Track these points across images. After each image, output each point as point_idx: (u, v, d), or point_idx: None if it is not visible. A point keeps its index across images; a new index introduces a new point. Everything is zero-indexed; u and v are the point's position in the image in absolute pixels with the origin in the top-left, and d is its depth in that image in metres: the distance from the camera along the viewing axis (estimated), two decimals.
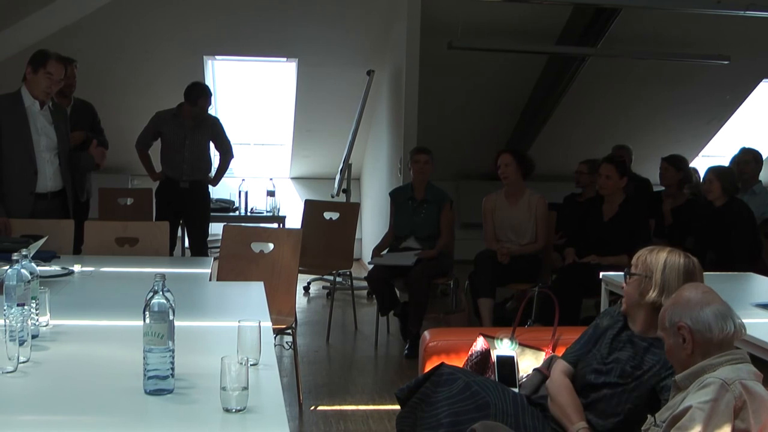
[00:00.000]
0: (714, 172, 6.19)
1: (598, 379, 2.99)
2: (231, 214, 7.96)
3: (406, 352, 6.23)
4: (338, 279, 7.62)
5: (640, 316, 2.96)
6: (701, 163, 9.56)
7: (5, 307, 2.60)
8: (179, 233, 7.23)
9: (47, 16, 7.41)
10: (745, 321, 2.57)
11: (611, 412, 2.92)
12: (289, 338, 5.29)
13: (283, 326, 4.67)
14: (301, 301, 7.99)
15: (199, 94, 6.91)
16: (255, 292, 3.80)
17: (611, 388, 2.96)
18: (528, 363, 3.46)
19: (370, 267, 6.58)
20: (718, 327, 2.49)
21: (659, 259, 2.95)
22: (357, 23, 8.41)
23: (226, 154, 7.24)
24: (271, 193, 8.14)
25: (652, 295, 2.90)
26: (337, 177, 8.74)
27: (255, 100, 9.96)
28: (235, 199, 8.09)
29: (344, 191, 8.64)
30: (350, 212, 7.45)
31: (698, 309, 2.51)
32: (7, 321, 2.49)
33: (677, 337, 2.53)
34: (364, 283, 7.32)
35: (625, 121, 9.65)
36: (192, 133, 6.91)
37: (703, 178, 6.39)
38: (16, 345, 2.43)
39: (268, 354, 2.63)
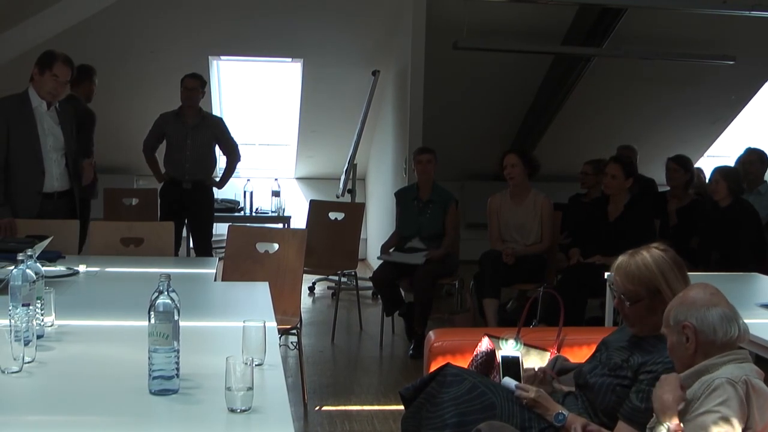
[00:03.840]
0: (720, 172, 6.19)
1: (592, 378, 2.99)
2: (236, 214, 7.98)
3: (411, 352, 6.24)
4: (343, 279, 7.62)
5: (648, 324, 2.93)
6: (706, 164, 9.55)
7: (10, 308, 2.60)
8: (184, 233, 7.23)
9: (53, 16, 7.42)
10: (749, 321, 2.57)
11: (606, 405, 2.90)
12: (294, 338, 5.30)
13: (288, 326, 4.67)
14: (306, 301, 7.99)
15: (185, 76, 6.97)
16: (260, 292, 3.80)
17: (600, 378, 2.95)
18: (533, 363, 3.45)
19: (379, 262, 6.57)
20: (722, 330, 2.49)
21: (649, 266, 2.87)
22: (362, 24, 8.41)
23: (232, 155, 7.23)
24: (276, 194, 8.15)
25: (668, 302, 2.82)
26: (342, 177, 8.75)
27: (260, 100, 9.98)
28: (240, 199, 8.11)
29: (349, 191, 8.65)
30: (355, 212, 7.45)
31: (704, 310, 2.51)
32: (13, 321, 2.51)
33: (681, 335, 2.53)
34: (369, 284, 7.33)
35: (630, 122, 9.64)
36: (193, 132, 6.92)
37: (710, 179, 6.38)
38: (21, 345, 2.43)
39: (272, 354, 2.63)
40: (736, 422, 2.36)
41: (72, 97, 6.48)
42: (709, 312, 2.50)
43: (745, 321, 2.56)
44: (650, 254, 2.91)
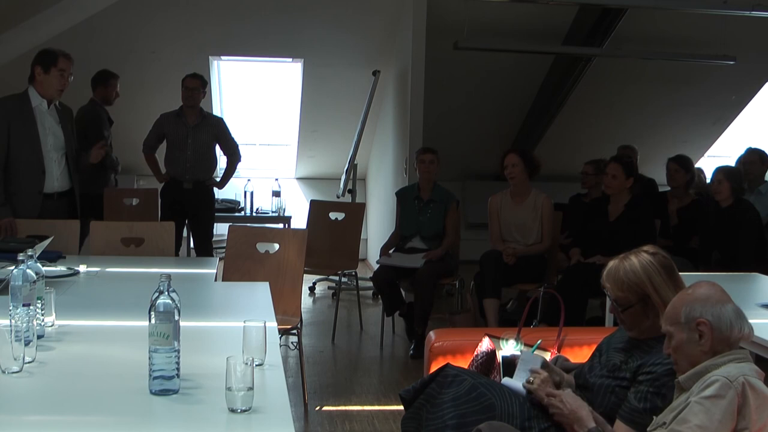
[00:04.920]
0: (723, 172, 6.17)
1: (592, 379, 2.99)
2: (236, 214, 7.98)
3: (411, 352, 6.24)
4: (344, 279, 7.62)
5: (644, 328, 2.93)
6: (707, 164, 9.55)
7: (11, 308, 2.61)
8: (184, 233, 7.23)
9: (53, 16, 7.41)
10: (750, 321, 2.56)
11: (606, 406, 2.90)
12: (294, 338, 5.30)
13: (289, 326, 4.67)
14: (306, 301, 8.00)
15: (186, 76, 6.99)
16: (260, 292, 3.80)
17: (600, 379, 2.95)
18: None
19: (378, 266, 6.58)
20: (738, 326, 2.48)
21: (637, 272, 2.86)
22: (363, 23, 8.41)
23: (233, 156, 7.23)
24: (276, 194, 8.15)
25: (660, 308, 2.81)
26: (343, 177, 8.74)
27: (260, 100, 9.98)
28: (241, 199, 8.10)
29: (350, 191, 8.65)
30: (356, 212, 7.45)
31: (720, 306, 2.49)
32: (13, 321, 2.50)
33: (693, 332, 2.49)
34: (370, 284, 7.33)
35: (631, 122, 9.64)
36: (194, 132, 6.92)
37: (712, 179, 6.37)
38: (21, 345, 2.44)
39: (273, 354, 2.63)
40: (717, 419, 2.35)
41: (91, 101, 7.00)
42: (725, 308, 2.49)
43: None
44: (638, 259, 2.90)
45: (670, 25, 8.48)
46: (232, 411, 2.18)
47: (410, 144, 7.77)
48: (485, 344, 3.47)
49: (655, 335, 2.83)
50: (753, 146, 7.31)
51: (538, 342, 3.13)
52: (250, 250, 4.93)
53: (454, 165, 9.22)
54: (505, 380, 3.16)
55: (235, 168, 7.33)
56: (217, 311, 3.63)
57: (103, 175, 6.99)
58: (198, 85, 6.96)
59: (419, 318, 6.24)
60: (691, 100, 9.50)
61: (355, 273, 7.33)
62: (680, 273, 2.94)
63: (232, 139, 7.21)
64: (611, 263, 2.97)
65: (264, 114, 10.14)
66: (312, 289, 8.52)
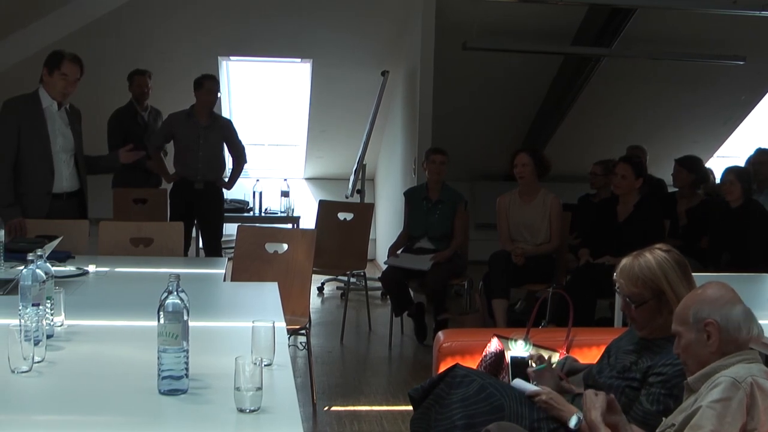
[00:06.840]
0: (734, 173, 6.15)
1: (601, 380, 2.98)
2: (245, 214, 7.98)
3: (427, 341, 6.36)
4: (352, 279, 7.61)
5: (656, 326, 2.92)
6: (717, 164, 9.52)
7: (20, 307, 2.61)
8: (193, 233, 7.24)
9: (64, 17, 7.44)
10: (763, 322, 2.55)
11: None
12: (303, 339, 5.30)
13: (297, 327, 4.68)
14: (315, 301, 8.00)
15: (204, 78, 6.96)
16: (269, 292, 3.80)
17: (609, 380, 2.94)
18: None
19: (385, 266, 6.58)
20: (746, 327, 2.47)
21: (652, 267, 2.86)
22: (371, 24, 8.41)
23: (240, 158, 7.23)
24: (285, 194, 8.15)
25: (674, 304, 2.81)
26: (352, 177, 8.74)
27: (269, 100, 9.99)
28: (250, 199, 8.11)
29: (358, 192, 8.65)
30: (364, 213, 7.45)
31: (729, 307, 2.48)
32: (23, 321, 2.51)
33: (701, 333, 2.49)
34: (378, 284, 7.33)
35: (640, 122, 9.62)
36: (205, 132, 6.92)
37: (723, 179, 6.35)
38: (31, 345, 2.44)
39: (282, 354, 2.63)
40: (728, 421, 2.34)
41: (129, 101, 7.49)
42: (734, 309, 2.48)
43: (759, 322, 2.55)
44: (653, 256, 2.91)
45: (680, 25, 8.45)
46: (241, 411, 2.18)
47: (419, 144, 7.77)
48: (494, 345, 3.47)
49: (665, 335, 2.82)
50: (763, 146, 7.29)
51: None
52: (259, 250, 4.93)
53: (463, 165, 9.20)
54: (516, 382, 3.13)
55: (242, 170, 7.33)
56: (225, 311, 3.64)
57: (145, 176, 7.23)
58: (214, 88, 7.00)
59: (436, 309, 6.35)
60: (701, 101, 9.48)
61: (364, 273, 7.33)
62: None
63: (240, 141, 7.22)
64: (625, 260, 2.97)
65: (273, 114, 10.16)
66: (321, 289, 8.52)
